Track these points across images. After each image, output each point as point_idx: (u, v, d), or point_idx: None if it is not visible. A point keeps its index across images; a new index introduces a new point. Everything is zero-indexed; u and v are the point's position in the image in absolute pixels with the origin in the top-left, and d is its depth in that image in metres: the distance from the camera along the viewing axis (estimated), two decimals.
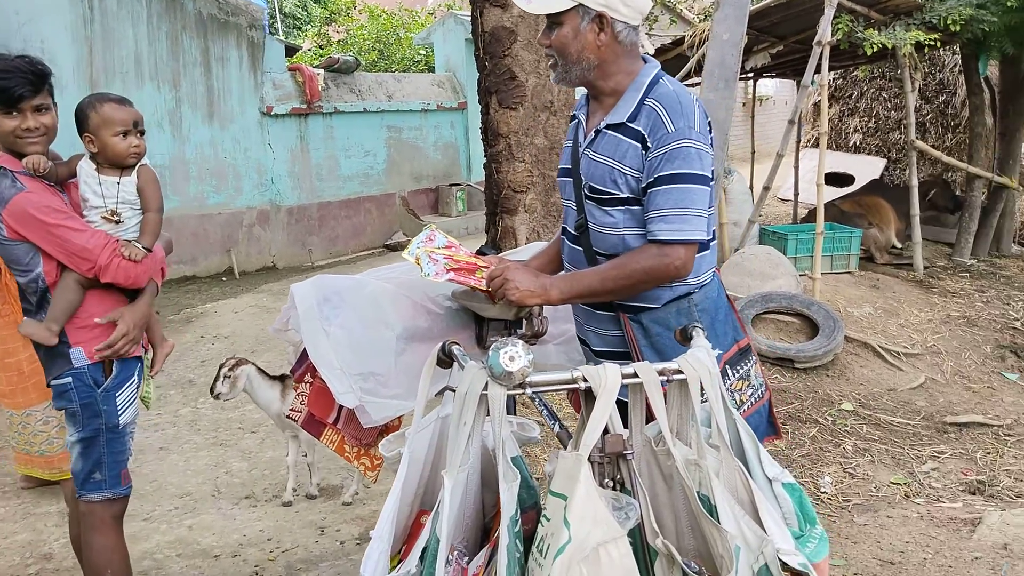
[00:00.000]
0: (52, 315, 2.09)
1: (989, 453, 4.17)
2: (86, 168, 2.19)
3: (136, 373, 2.30)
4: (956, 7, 6.08)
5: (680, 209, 1.70)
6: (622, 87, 1.82)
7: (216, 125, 8.05)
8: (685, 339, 1.61)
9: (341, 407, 2.12)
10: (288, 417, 2.43)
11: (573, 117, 2.00)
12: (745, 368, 1.95)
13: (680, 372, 1.44)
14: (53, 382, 2.15)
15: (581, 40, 1.76)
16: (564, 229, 2.02)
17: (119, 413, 2.21)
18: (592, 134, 1.85)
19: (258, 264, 8.55)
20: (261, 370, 3.33)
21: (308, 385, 2.26)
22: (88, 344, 2.14)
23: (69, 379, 2.13)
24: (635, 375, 1.43)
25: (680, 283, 1.83)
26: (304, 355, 2.23)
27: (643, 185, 1.75)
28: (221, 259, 8.23)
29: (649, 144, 1.73)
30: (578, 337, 2.08)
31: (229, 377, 3.25)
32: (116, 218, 2.19)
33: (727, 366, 1.88)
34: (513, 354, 1.39)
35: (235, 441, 4.11)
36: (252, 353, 5.51)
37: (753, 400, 1.96)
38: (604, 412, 1.36)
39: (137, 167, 2.26)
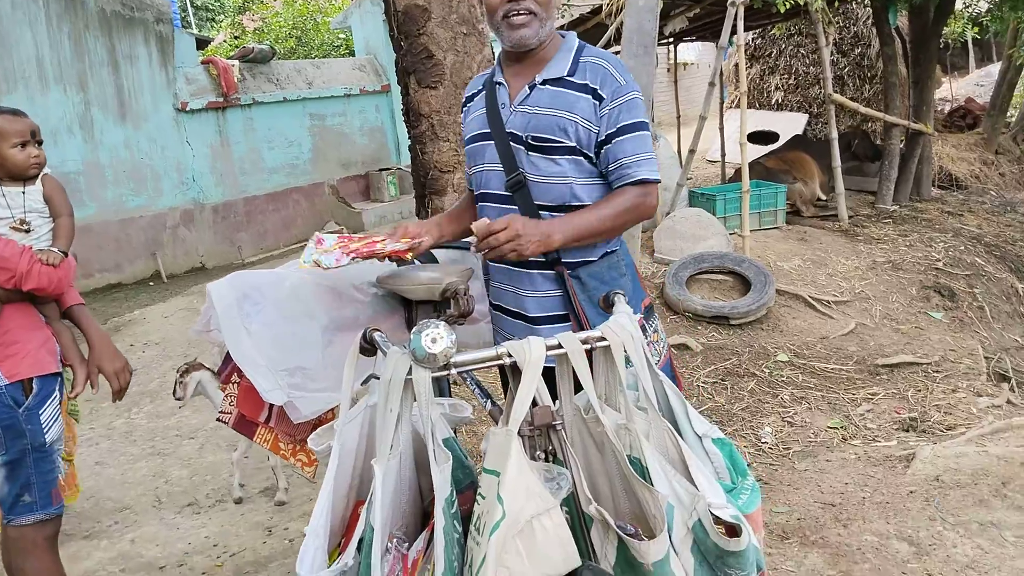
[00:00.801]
0: None
1: (919, 391, 4.33)
2: None
3: (57, 388, 2.22)
4: None
5: (648, 153, 1.86)
6: (552, 47, 1.93)
7: (129, 125, 7.76)
8: (608, 306, 1.60)
9: (271, 405, 2.07)
10: (218, 420, 2.36)
11: (480, 87, 2.04)
12: (655, 323, 2.02)
13: (603, 339, 1.44)
14: None
15: None
16: (484, 195, 2.01)
17: (44, 431, 2.14)
18: (526, 89, 1.90)
19: (186, 266, 8.31)
20: (215, 374, 3.25)
21: (236, 385, 2.20)
22: (4, 364, 2.05)
23: None
24: (559, 346, 1.43)
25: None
26: (229, 355, 2.17)
27: (603, 135, 1.85)
28: (147, 263, 7.98)
29: (603, 95, 1.84)
30: (509, 312, 2.05)
31: (182, 383, 3.21)
32: (26, 227, 2.12)
33: (644, 321, 1.91)
34: (435, 336, 1.36)
35: (173, 449, 4.00)
36: (184, 357, 5.35)
37: (663, 354, 2.00)
38: (531, 386, 1.35)
39: (42, 177, 2.23)
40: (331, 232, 1.95)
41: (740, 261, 5.51)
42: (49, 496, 2.18)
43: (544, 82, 1.89)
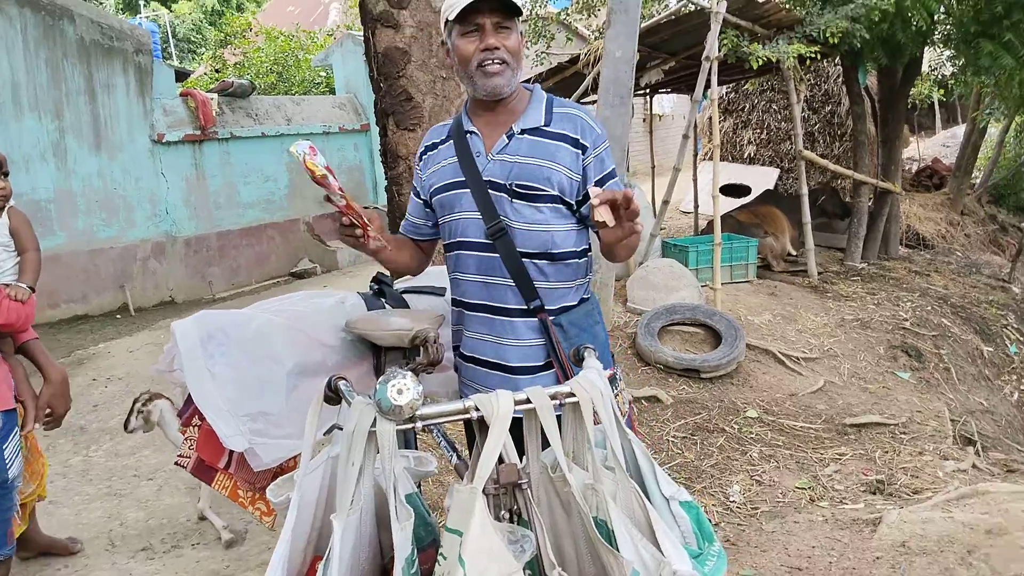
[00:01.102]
0: None
1: (887, 452, 4.34)
2: None
3: (17, 423, 2.15)
4: (833, 20, 6.39)
5: None
6: (523, 99, 1.97)
7: (104, 155, 7.68)
8: (578, 360, 1.59)
9: (232, 451, 2.01)
10: (176, 464, 2.29)
11: (444, 136, 2.04)
12: (619, 372, 2.03)
13: (572, 395, 1.42)
14: None
15: (521, 48, 1.90)
16: (460, 243, 1.99)
17: (7, 467, 2.06)
18: (504, 139, 1.92)
19: (155, 299, 8.18)
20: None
21: (196, 428, 2.14)
22: None
23: None
24: (528, 400, 1.40)
25: (584, 281, 2.03)
26: (191, 397, 2.11)
27: (589, 184, 1.89)
28: (115, 296, 7.84)
29: (585, 145, 1.90)
30: (486, 363, 2.00)
31: (143, 412, 3.11)
32: None
33: (614, 371, 1.92)
34: (401, 387, 1.33)
35: (130, 490, 3.88)
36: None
37: (626, 410, 2.00)
38: (497, 442, 1.33)
39: (7, 210, 2.18)
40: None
41: (711, 314, 5.54)
42: (4, 536, 2.10)
43: (522, 131, 1.92)
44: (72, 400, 2.29)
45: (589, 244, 2.04)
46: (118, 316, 7.67)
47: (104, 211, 7.72)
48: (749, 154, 12.89)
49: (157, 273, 8.21)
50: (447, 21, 1.89)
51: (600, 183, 1.91)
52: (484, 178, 1.92)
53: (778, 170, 12.16)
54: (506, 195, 1.90)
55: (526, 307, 1.91)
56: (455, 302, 2.07)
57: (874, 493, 3.82)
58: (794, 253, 7.91)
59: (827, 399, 5.08)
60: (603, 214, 1.60)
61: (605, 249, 1.85)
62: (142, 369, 5.81)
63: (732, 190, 10.95)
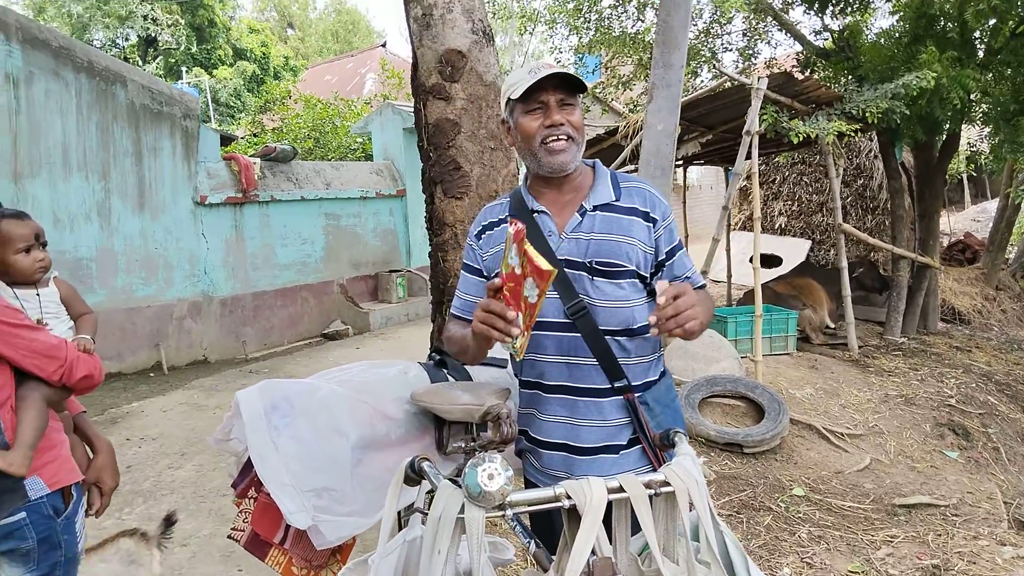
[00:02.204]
0: (24, 439, 1.82)
1: (940, 535, 4.17)
2: (0, 286, 2.09)
3: (83, 497, 2.11)
4: (873, 100, 6.43)
5: (693, 264, 2.01)
6: (588, 176, 1.98)
7: (147, 215, 7.82)
8: (668, 445, 1.53)
9: (289, 526, 1.96)
10: (229, 537, 2.23)
11: (504, 215, 1.99)
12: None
13: (667, 484, 1.37)
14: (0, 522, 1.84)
15: (583, 123, 1.91)
16: (537, 324, 1.85)
17: (78, 541, 1.99)
18: (577, 216, 1.90)
19: (188, 358, 8.21)
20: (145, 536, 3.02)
21: (252, 501, 2.09)
22: (45, 469, 1.88)
23: (23, 514, 1.84)
24: (621, 489, 1.35)
25: (661, 354, 2.00)
26: (247, 467, 2.07)
27: (663, 254, 1.92)
28: (149, 354, 7.88)
29: (655, 217, 1.91)
30: (551, 445, 1.92)
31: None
32: (42, 324, 2.07)
33: None
34: (492, 471, 1.29)
35: (164, 556, 3.80)
36: (182, 456, 5.21)
37: None
38: (591, 533, 1.27)
39: (52, 279, 2.19)
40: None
41: (753, 387, 5.44)
42: None
43: (595, 208, 1.91)
44: (119, 478, 2.22)
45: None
46: (151, 374, 7.69)
47: (144, 270, 7.82)
48: (780, 225, 12.88)
49: (192, 332, 8.25)
50: (509, 100, 1.88)
51: (671, 253, 1.93)
52: (560, 257, 1.87)
53: (810, 241, 12.12)
54: (586, 273, 1.87)
55: (610, 386, 1.86)
56: (529, 384, 1.98)
57: None
58: (832, 326, 7.81)
59: (874, 478, 4.93)
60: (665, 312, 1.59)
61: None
62: (176, 429, 5.78)
63: (763, 261, 10.91)
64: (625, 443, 1.87)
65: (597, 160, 2.03)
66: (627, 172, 7.10)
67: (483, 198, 4.49)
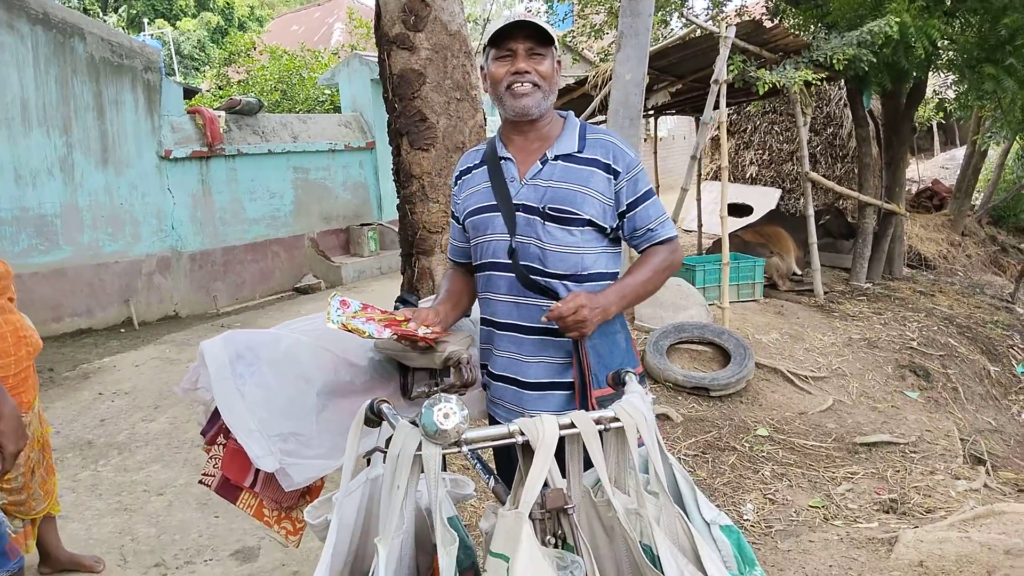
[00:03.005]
0: None
1: (898, 471, 4.34)
2: None
3: None
4: (840, 47, 6.44)
5: (664, 215, 2.02)
6: (556, 125, 2.03)
7: (111, 171, 7.69)
8: (618, 383, 1.59)
9: (258, 469, 2.00)
10: (200, 482, 2.28)
11: (478, 161, 2.11)
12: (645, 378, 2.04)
13: (617, 420, 1.42)
14: None
15: (555, 75, 1.96)
16: (492, 264, 2.04)
17: None
18: (538, 164, 1.97)
19: (159, 313, 8.17)
20: None
21: (221, 447, 2.13)
22: None
23: None
24: (572, 425, 1.41)
25: None
26: (215, 415, 2.11)
27: (624, 205, 1.97)
28: (119, 310, 7.83)
29: (618, 169, 1.95)
30: (502, 378, 2.04)
31: None
32: None
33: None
34: (447, 411, 1.34)
35: (140, 505, 3.86)
36: (156, 409, 5.24)
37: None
38: (543, 467, 1.33)
39: None
40: (350, 298, 1.95)
41: (720, 332, 5.54)
42: (5, 553, 2.07)
43: (556, 157, 1.96)
44: (29, 436, 2.15)
45: (618, 269, 2.07)
46: (122, 330, 7.66)
47: (110, 226, 7.73)
48: (751, 174, 12.96)
49: (162, 288, 8.20)
50: (485, 47, 1.95)
51: (633, 205, 1.97)
52: (516, 201, 1.97)
53: (780, 190, 12.23)
54: (539, 218, 1.94)
55: (554, 325, 1.89)
56: (485, 321, 2.10)
57: (887, 512, 3.82)
58: (799, 273, 7.94)
59: (837, 418, 5.08)
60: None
61: None
62: (148, 383, 5.80)
63: (734, 210, 11.01)
64: (571, 380, 1.94)
65: (570, 112, 2.08)
66: (596, 123, 7.10)
67: (450, 149, 4.48)
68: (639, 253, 2.04)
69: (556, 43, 1.93)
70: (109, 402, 5.43)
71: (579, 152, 1.96)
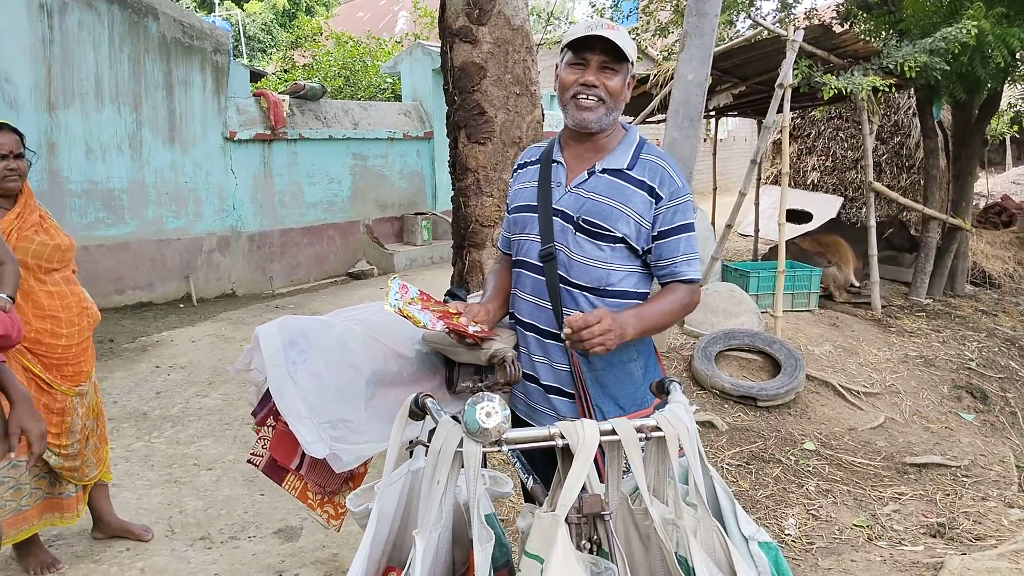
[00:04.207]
0: None
1: (948, 494, 4.22)
2: None
3: None
4: (912, 54, 6.26)
5: (694, 254, 1.98)
6: (614, 139, 2.02)
7: (177, 149, 7.91)
8: (662, 392, 1.59)
9: (304, 453, 2.05)
10: (249, 462, 2.35)
11: (535, 159, 2.13)
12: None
13: (658, 429, 1.42)
14: None
15: (624, 91, 1.94)
16: (523, 263, 2.08)
17: None
18: (584, 174, 1.98)
19: (217, 291, 8.38)
20: None
21: (271, 429, 2.19)
22: None
23: None
24: (613, 432, 1.41)
25: None
26: (267, 397, 2.16)
27: (656, 231, 1.94)
28: (179, 285, 8.06)
29: (661, 195, 1.93)
30: (533, 380, 2.07)
31: None
32: None
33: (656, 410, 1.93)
34: (490, 410, 1.36)
35: (190, 478, 3.98)
36: (209, 385, 5.38)
37: None
38: (582, 471, 1.33)
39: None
40: (410, 283, 1.98)
41: (771, 342, 5.46)
42: None
43: (603, 171, 1.97)
44: (43, 419, 2.16)
45: (648, 290, 2.07)
46: (181, 305, 7.88)
47: (174, 203, 7.95)
48: (813, 180, 12.69)
49: (220, 266, 8.41)
50: (563, 47, 1.94)
51: (665, 234, 1.94)
52: (556, 206, 1.99)
53: (842, 199, 11.95)
54: (572, 227, 1.96)
55: (558, 331, 1.93)
56: (511, 316, 2.16)
57: (934, 536, 3.73)
58: (857, 285, 7.76)
59: (887, 436, 4.96)
60: (572, 337, 1.74)
61: None
62: (204, 359, 5.96)
63: (793, 216, 10.79)
64: (569, 392, 1.98)
65: (635, 127, 2.08)
66: (655, 122, 6.99)
67: (506, 144, 4.50)
68: (661, 286, 2.03)
69: (633, 61, 1.92)
70: (165, 375, 5.60)
71: (628, 169, 1.96)
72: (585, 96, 1.89)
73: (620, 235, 1.92)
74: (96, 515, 3.26)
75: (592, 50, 1.87)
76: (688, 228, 1.96)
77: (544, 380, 2.03)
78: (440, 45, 4.65)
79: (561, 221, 1.98)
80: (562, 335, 1.79)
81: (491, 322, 2.07)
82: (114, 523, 3.30)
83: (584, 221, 1.94)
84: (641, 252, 1.96)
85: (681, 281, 1.97)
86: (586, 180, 1.97)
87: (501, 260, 2.30)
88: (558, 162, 2.04)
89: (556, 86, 1.98)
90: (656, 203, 1.93)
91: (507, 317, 2.32)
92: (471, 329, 1.92)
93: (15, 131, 2.62)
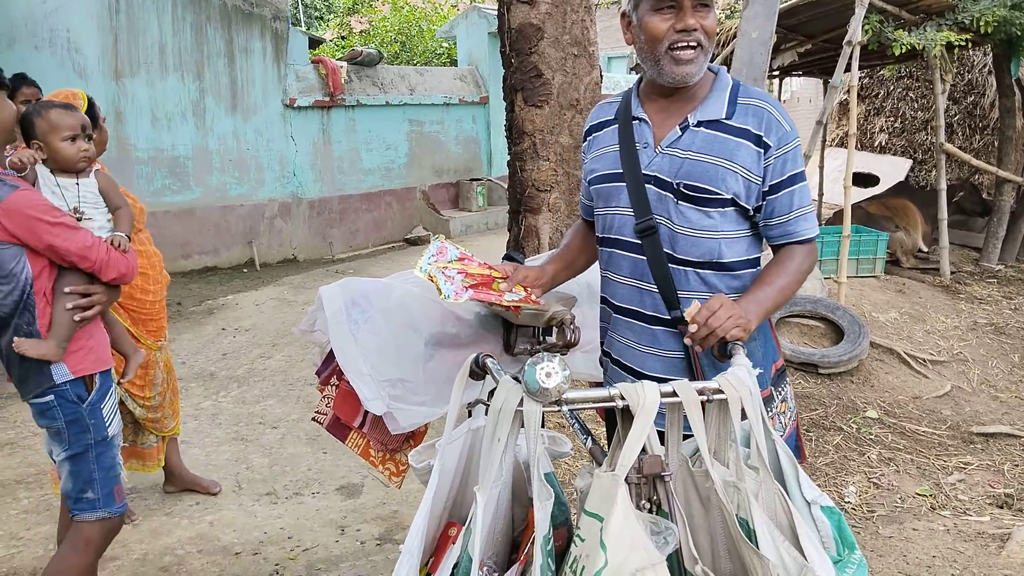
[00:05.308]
0: (59, 330, 2.05)
1: (1017, 465, 4.10)
2: (43, 172, 2.19)
3: (113, 383, 2.28)
4: (990, 7, 5.97)
5: (809, 207, 1.76)
6: (704, 85, 1.76)
7: (239, 116, 8.05)
8: (724, 356, 1.57)
9: (367, 411, 2.10)
10: (313, 419, 2.41)
11: (611, 117, 1.89)
12: (785, 389, 1.89)
13: (720, 392, 1.41)
14: (33, 400, 2.09)
15: (715, 28, 1.70)
16: (615, 241, 1.85)
17: (107, 425, 2.18)
18: (677, 130, 1.73)
19: (279, 256, 8.56)
20: None
21: (334, 388, 2.24)
22: (70, 358, 2.09)
23: (51, 397, 2.08)
24: (674, 394, 1.40)
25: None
26: (330, 357, 2.21)
27: (767, 186, 1.71)
28: (243, 250, 8.26)
29: (769, 143, 1.69)
30: (626, 368, 1.90)
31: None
32: (78, 215, 2.17)
33: (772, 389, 1.83)
34: (550, 370, 1.36)
35: (256, 436, 4.11)
36: (273, 347, 5.53)
37: (788, 425, 1.90)
38: (643, 432, 1.33)
39: (94, 172, 2.28)
40: (452, 243, 1.88)
41: (834, 308, 5.34)
42: (112, 494, 2.20)
43: (699, 124, 1.72)
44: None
45: (759, 254, 1.86)
46: (244, 270, 8.08)
47: (237, 170, 8.12)
48: (881, 143, 12.26)
49: (282, 232, 8.58)
50: None
51: (776, 188, 1.71)
52: (647, 172, 1.75)
53: (911, 161, 11.53)
54: (672, 195, 1.73)
55: (667, 315, 1.76)
56: (604, 300, 1.96)
57: (1001, 507, 3.63)
58: (925, 250, 7.52)
59: (954, 405, 4.83)
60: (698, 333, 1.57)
61: None
62: (267, 322, 6.12)
63: (861, 179, 10.44)
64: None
65: (723, 68, 1.80)
66: None
67: (563, 107, 4.45)
68: (772, 249, 1.80)
69: None
70: (231, 337, 5.77)
71: (727, 119, 1.70)
72: (685, 45, 1.63)
73: (730, 196, 1.69)
74: (168, 469, 3.41)
75: None
76: (800, 178, 1.73)
77: (651, 371, 1.80)
78: (497, 7, 4.60)
79: (656, 189, 1.74)
80: (686, 333, 1.58)
81: (547, 284, 1.95)
82: (186, 476, 3.45)
83: (686, 187, 1.70)
84: (751, 212, 1.73)
85: (797, 242, 1.75)
86: (680, 137, 1.72)
87: (581, 223, 2.11)
88: (641, 119, 1.79)
89: (636, 39, 1.72)
90: (765, 153, 1.68)
91: (570, 280, 2.30)
92: (505, 299, 1.79)
93: (91, 103, 2.71)
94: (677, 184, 1.71)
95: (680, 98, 1.76)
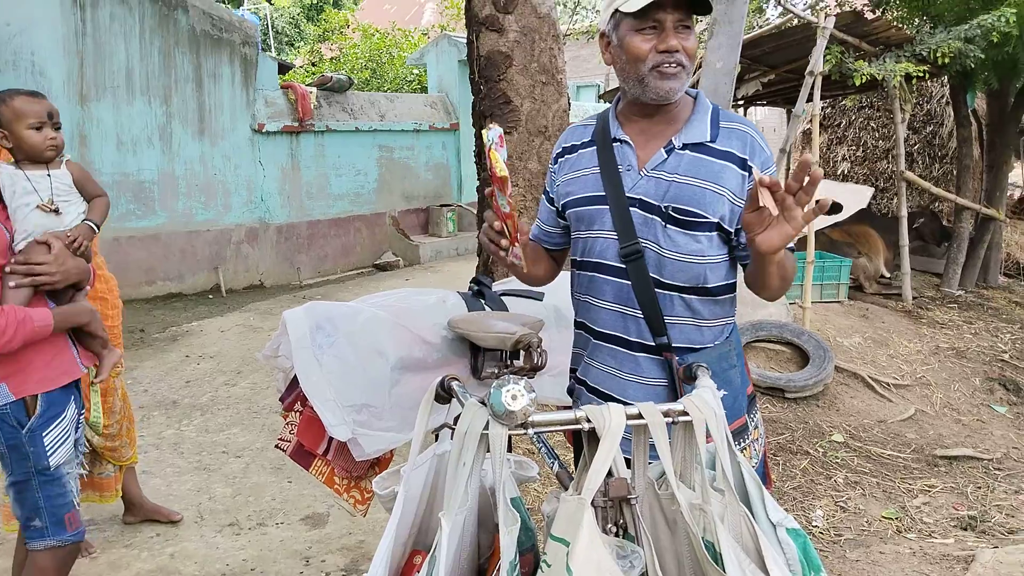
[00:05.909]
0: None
1: (980, 487, 4.16)
2: (9, 171, 2.11)
3: (70, 405, 2.16)
4: (945, 40, 6.15)
5: None
6: (686, 107, 1.75)
7: (207, 141, 7.99)
8: (689, 379, 1.57)
9: (331, 438, 2.07)
10: (277, 447, 2.37)
11: (588, 139, 1.85)
12: (756, 416, 1.89)
13: (686, 413, 1.41)
14: None
15: (696, 49, 1.69)
16: (598, 265, 1.80)
17: (48, 455, 2.05)
18: (662, 153, 1.71)
19: (245, 282, 8.47)
20: None
21: (298, 414, 2.20)
22: (11, 378, 1.98)
23: None
24: (640, 416, 1.40)
25: (727, 320, 1.81)
26: (294, 383, 2.18)
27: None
28: (208, 276, 8.15)
29: (754, 167, 1.67)
30: (606, 397, 1.82)
31: None
32: (54, 208, 2.11)
33: (747, 417, 1.82)
34: (516, 392, 1.35)
35: (219, 465, 4.03)
36: (238, 374, 5.44)
37: (761, 448, 1.90)
38: (608, 455, 1.32)
39: (64, 162, 2.21)
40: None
41: (799, 333, 5.41)
42: (62, 522, 2.11)
43: (684, 146, 1.71)
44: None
45: (736, 279, 1.83)
46: (210, 296, 7.97)
47: (203, 194, 8.04)
48: (843, 171, 12.52)
49: (249, 257, 8.49)
50: (616, 12, 1.67)
51: None
52: (632, 195, 1.72)
53: (872, 189, 11.75)
54: (660, 219, 1.70)
55: (651, 343, 1.74)
56: (581, 325, 1.91)
57: (965, 529, 3.67)
58: (888, 275, 7.66)
59: (918, 428, 4.90)
60: (766, 199, 1.41)
61: (752, 277, 1.68)
62: (232, 349, 6.03)
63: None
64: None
65: (700, 91, 1.80)
66: None
67: (532, 133, 4.48)
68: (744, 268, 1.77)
69: (711, 12, 1.70)
70: (195, 365, 5.67)
71: (711, 142, 1.69)
72: (669, 64, 1.63)
73: (716, 219, 1.67)
74: (127, 499, 3.32)
75: (664, 9, 1.60)
76: None
77: (632, 399, 1.68)
78: (466, 35, 4.64)
79: (642, 212, 1.71)
80: (752, 207, 1.46)
81: (524, 242, 1.77)
82: (146, 505, 3.36)
83: (675, 210, 1.67)
84: (731, 236, 1.71)
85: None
86: (666, 160, 1.70)
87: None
88: (623, 141, 1.76)
89: (617, 59, 1.71)
90: (749, 176, 1.68)
91: (537, 305, 2.31)
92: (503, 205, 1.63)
93: None
94: (665, 207, 1.69)
95: (662, 120, 1.75)
